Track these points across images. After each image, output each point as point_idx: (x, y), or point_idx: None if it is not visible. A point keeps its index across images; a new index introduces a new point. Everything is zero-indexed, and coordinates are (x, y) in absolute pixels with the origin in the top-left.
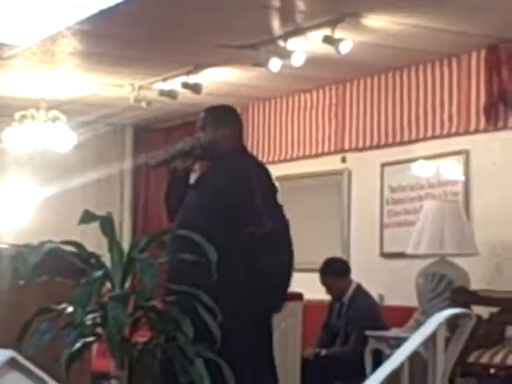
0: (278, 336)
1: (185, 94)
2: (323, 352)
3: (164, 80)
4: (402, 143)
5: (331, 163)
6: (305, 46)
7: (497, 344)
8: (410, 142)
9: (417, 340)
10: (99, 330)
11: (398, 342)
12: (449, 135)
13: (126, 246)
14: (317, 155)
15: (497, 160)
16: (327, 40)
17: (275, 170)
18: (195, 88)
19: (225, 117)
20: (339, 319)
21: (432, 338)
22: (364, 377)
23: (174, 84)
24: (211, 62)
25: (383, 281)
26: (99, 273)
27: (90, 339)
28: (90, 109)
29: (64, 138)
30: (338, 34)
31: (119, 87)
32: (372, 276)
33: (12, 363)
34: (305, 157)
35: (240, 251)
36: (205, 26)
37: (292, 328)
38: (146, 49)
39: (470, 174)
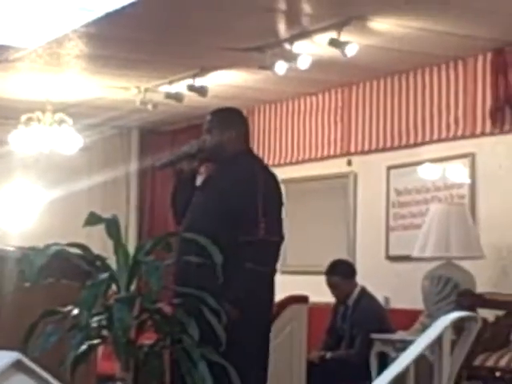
0: (284, 339)
1: (191, 97)
2: (328, 355)
3: (170, 83)
4: (407, 146)
5: (337, 166)
6: (311, 49)
7: (503, 347)
8: (416, 145)
9: (423, 343)
10: (105, 332)
11: (404, 345)
12: (455, 138)
13: (131, 248)
14: (323, 158)
15: (503, 163)
16: (333, 43)
17: (281, 173)
18: (201, 91)
19: (231, 119)
20: (344, 322)
21: (438, 341)
22: (369, 380)
23: (180, 87)
24: (217, 65)
25: (389, 284)
26: (105, 275)
27: (95, 341)
28: (96, 111)
29: (70, 141)
30: (344, 37)
31: (125, 90)
32: (378, 279)
33: (18, 365)
34: (311, 160)
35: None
36: (211, 28)
37: (297, 331)
38: (152, 51)
39: (476, 177)
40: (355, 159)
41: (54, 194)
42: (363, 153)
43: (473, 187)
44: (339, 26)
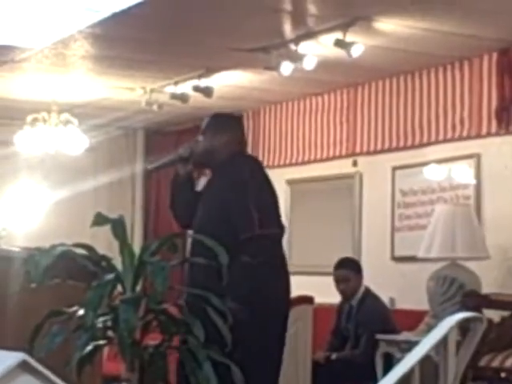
0: (289, 339)
1: (196, 98)
2: (334, 356)
3: (175, 83)
4: (413, 147)
5: (342, 167)
6: (316, 50)
7: (508, 348)
8: (422, 145)
9: (428, 344)
10: (110, 333)
11: (409, 346)
12: (460, 139)
13: (137, 248)
14: (328, 159)
15: (508, 163)
16: (339, 44)
17: (286, 174)
18: (206, 91)
19: (225, 124)
20: (349, 322)
21: (443, 342)
22: (375, 381)
23: (186, 87)
24: (223, 66)
25: (394, 284)
26: (110, 276)
27: (101, 342)
28: (101, 112)
29: (76, 142)
30: (349, 37)
31: (131, 90)
32: (383, 279)
33: (23, 366)
34: (316, 160)
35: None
36: (216, 29)
37: (302, 331)
38: (158, 52)
39: (482, 178)
40: (361, 160)
41: (59, 195)
42: (369, 153)
43: (478, 188)
44: (345, 27)
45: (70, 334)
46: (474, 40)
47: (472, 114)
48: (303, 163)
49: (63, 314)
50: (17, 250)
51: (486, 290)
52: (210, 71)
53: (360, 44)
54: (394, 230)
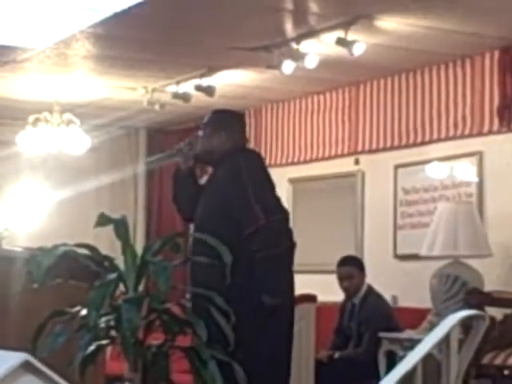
0: None
1: (198, 97)
2: (337, 355)
3: (177, 83)
4: (415, 145)
5: (344, 165)
6: (318, 48)
7: (511, 345)
8: (424, 143)
9: (430, 342)
10: (113, 332)
11: (412, 344)
12: (462, 137)
13: (139, 248)
14: (330, 157)
15: (510, 161)
16: (340, 42)
17: (288, 173)
18: (208, 90)
19: (225, 121)
20: (351, 320)
21: (446, 340)
22: (378, 379)
23: (188, 87)
24: (224, 65)
25: (397, 282)
26: (113, 275)
27: (103, 342)
28: (103, 112)
29: (78, 141)
30: (351, 36)
31: (132, 90)
32: (386, 277)
33: (26, 366)
34: (318, 159)
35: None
36: (218, 28)
37: (305, 330)
38: (159, 52)
39: (484, 176)
40: (363, 158)
41: (61, 195)
42: (371, 152)
43: (480, 185)
44: (346, 25)
45: (72, 334)
46: (475, 38)
47: (474, 111)
48: (305, 162)
49: (66, 313)
50: (19, 250)
51: (488, 287)
52: (211, 70)
53: (362, 42)
54: (396, 228)
